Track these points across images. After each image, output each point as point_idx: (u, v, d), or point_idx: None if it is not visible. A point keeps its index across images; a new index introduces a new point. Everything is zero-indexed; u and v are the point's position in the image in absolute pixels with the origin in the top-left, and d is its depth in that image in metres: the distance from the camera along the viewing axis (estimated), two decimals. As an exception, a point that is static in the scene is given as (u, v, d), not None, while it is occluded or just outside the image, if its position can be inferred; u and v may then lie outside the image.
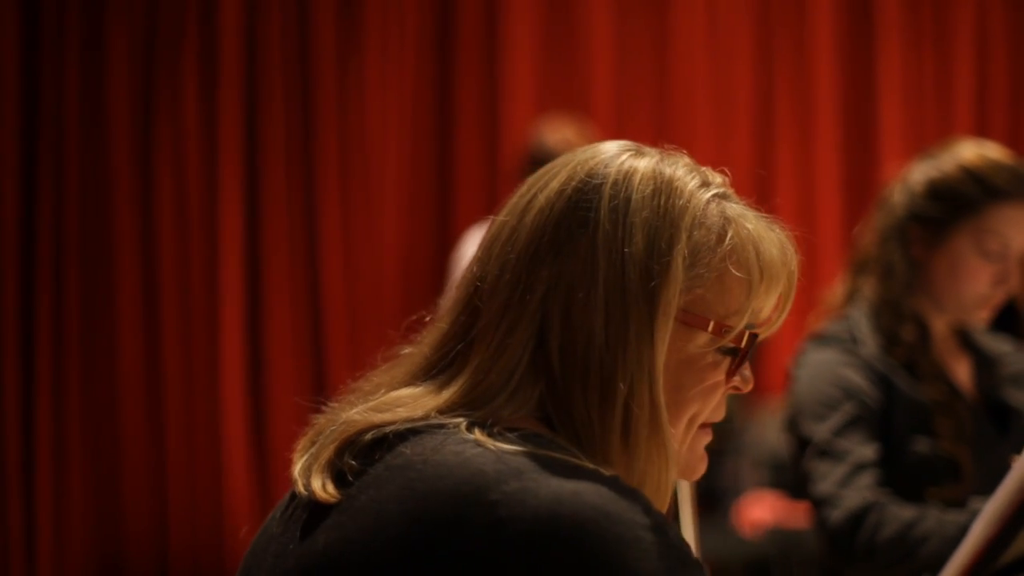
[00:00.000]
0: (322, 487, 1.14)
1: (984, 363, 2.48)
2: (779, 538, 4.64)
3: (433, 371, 1.21)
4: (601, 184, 1.18)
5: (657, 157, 1.22)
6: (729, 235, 1.19)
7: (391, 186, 5.32)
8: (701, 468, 1.26)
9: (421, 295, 5.17)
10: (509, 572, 1.03)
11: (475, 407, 1.15)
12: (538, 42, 5.53)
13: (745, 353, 1.22)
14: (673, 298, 1.16)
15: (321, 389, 5.01)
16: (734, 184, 1.28)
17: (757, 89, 5.76)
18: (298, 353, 5.20)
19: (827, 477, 2.21)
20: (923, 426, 2.31)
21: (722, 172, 1.27)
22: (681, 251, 1.16)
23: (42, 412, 4.89)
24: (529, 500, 1.05)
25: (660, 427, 1.16)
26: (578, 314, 1.15)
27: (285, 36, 5.21)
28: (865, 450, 2.23)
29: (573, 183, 1.19)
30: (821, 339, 2.41)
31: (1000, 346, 2.53)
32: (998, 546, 1.80)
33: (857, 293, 2.44)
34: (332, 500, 1.13)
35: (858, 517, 2.15)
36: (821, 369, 2.34)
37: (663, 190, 1.19)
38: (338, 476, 1.15)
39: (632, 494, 1.08)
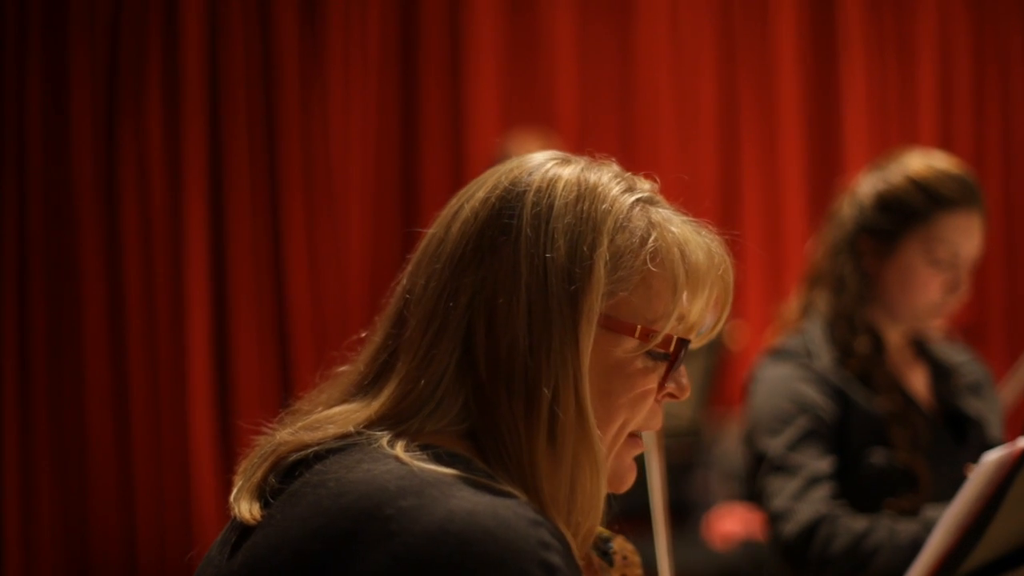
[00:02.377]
0: (248, 510, 1.13)
1: (941, 373, 2.48)
2: (750, 551, 4.62)
3: (365, 384, 1.20)
4: (524, 192, 1.18)
5: (583, 165, 1.22)
6: (652, 238, 1.18)
7: (356, 202, 5.30)
8: (630, 479, 1.24)
9: (386, 310, 5.13)
10: None
11: (401, 419, 1.15)
12: (502, 55, 5.52)
13: (675, 359, 1.20)
14: (596, 302, 1.14)
15: (287, 397, 4.98)
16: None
17: (721, 99, 5.76)
18: (264, 363, 5.17)
19: (781, 492, 2.21)
20: (879, 438, 2.31)
21: (651, 178, 1.26)
22: (603, 255, 1.15)
23: (8, 425, 4.84)
24: (422, 516, 1.03)
25: (587, 432, 1.13)
26: (501, 320, 1.13)
27: (248, 52, 5.19)
28: (819, 463, 2.23)
29: (497, 192, 1.19)
30: (776, 354, 2.41)
31: (956, 356, 2.54)
32: (957, 557, 1.79)
33: (811, 307, 2.45)
34: (254, 523, 1.12)
35: (810, 530, 2.15)
36: (776, 384, 2.34)
37: (586, 196, 1.18)
38: (263, 497, 1.14)
39: (535, 523, 1.04)
